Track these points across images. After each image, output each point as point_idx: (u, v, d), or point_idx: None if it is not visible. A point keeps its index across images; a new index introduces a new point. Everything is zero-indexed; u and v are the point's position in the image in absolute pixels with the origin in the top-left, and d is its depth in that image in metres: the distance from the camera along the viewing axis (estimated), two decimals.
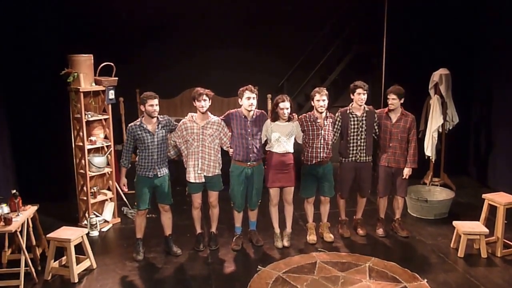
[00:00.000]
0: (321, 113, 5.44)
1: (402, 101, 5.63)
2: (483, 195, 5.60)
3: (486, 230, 5.31)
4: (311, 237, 5.71)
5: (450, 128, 7.37)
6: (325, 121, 5.47)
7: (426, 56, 7.66)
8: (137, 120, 5.22)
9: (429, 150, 7.13)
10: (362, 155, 5.62)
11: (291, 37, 8.52)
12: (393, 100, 5.59)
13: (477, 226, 5.38)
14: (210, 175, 5.34)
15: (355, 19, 8.59)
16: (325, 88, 5.50)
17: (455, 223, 5.52)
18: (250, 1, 8.34)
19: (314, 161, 5.50)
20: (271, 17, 8.44)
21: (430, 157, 7.22)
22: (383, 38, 7.80)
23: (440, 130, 7.24)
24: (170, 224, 5.48)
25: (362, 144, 5.60)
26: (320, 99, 5.37)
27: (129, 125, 5.21)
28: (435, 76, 7.07)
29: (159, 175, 5.24)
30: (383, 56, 7.87)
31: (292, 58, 8.80)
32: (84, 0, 7.46)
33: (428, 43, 7.72)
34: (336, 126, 5.61)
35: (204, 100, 5.17)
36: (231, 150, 5.38)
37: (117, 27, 7.75)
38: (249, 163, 5.32)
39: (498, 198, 5.43)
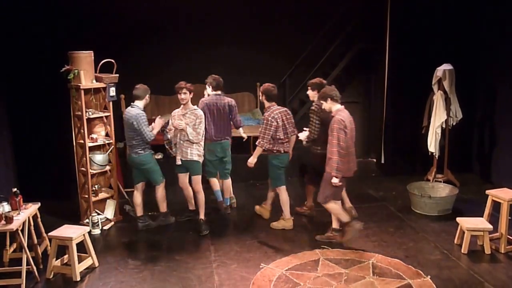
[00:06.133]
0: None
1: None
2: (487, 191, 5.56)
3: (490, 226, 5.28)
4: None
5: (454, 124, 7.32)
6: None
7: (429, 51, 7.61)
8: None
9: (433, 146, 7.11)
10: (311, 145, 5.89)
11: (293, 33, 8.48)
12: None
13: (480, 222, 5.36)
14: (186, 158, 5.88)
15: (358, 15, 8.54)
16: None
17: (458, 219, 5.50)
18: None
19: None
20: (273, 14, 8.41)
21: (434, 154, 7.18)
22: (386, 34, 7.76)
23: (444, 126, 7.19)
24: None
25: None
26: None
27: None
28: (439, 71, 7.02)
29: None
30: (386, 52, 7.82)
31: (294, 55, 8.76)
32: None
33: (432, 39, 7.66)
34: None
35: (185, 93, 5.74)
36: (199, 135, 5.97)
37: (118, 24, 7.71)
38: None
39: (502, 194, 5.40)
